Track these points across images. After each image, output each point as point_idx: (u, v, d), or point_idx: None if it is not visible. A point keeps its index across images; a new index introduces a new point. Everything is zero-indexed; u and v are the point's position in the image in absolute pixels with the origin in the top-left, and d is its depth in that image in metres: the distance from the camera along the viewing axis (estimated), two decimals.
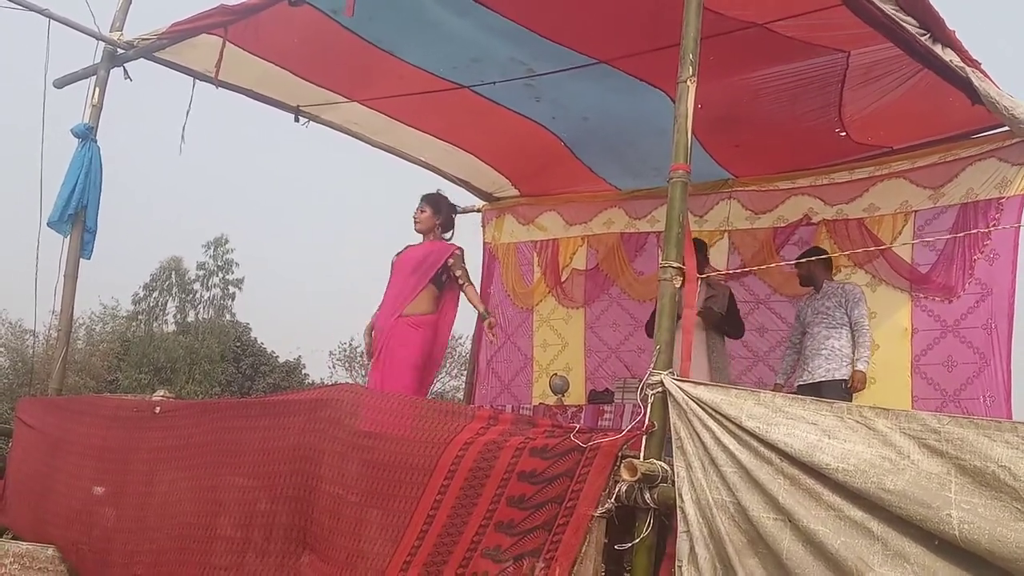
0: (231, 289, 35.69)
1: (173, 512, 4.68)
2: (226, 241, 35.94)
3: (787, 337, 6.59)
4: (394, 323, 5.65)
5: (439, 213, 5.91)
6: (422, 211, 5.88)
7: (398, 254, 5.94)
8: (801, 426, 2.84)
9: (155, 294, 33.86)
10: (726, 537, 2.88)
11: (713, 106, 4.60)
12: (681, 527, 3.00)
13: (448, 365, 28.29)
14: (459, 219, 8.40)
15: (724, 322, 6.32)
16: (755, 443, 2.91)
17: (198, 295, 35.17)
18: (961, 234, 5.79)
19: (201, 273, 35.30)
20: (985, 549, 2.42)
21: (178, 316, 34.16)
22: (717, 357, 6.25)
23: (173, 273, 34.29)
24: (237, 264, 35.97)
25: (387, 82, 6.38)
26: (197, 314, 34.40)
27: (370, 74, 6.33)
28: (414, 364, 5.62)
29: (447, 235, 5.99)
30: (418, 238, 5.94)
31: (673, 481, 3.06)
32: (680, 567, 2.97)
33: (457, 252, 5.77)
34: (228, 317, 34.14)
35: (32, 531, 5.49)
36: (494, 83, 6.16)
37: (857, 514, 2.67)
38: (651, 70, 5.63)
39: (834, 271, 6.40)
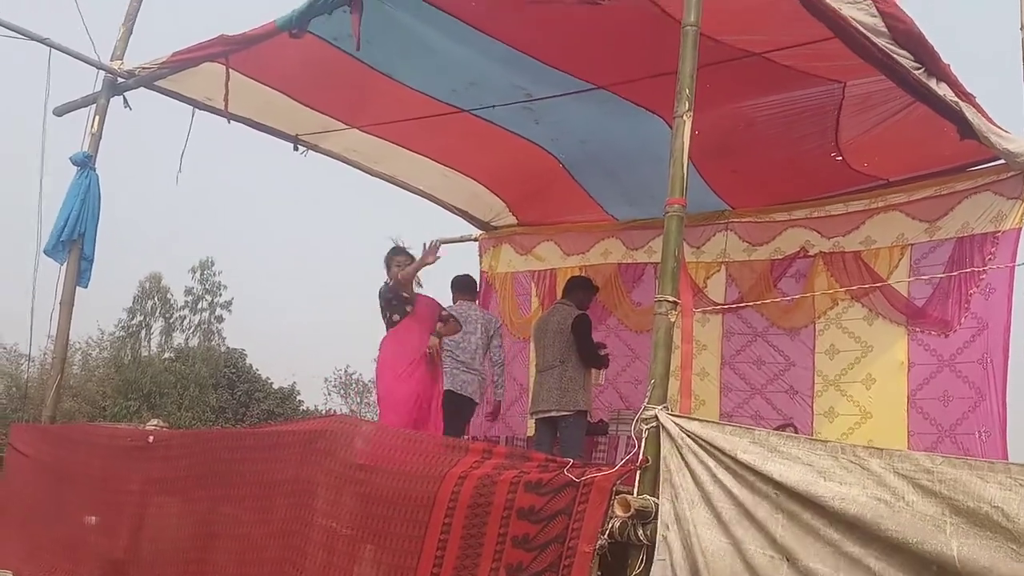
0: (219, 312, 34.95)
1: (169, 541, 4.66)
2: (212, 264, 35.19)
3: (781, 371, 6.61)
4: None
5: None
6: None
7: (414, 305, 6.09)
8: (796, 467, 2.82)
9: (138, 317, 32.97)
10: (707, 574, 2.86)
11: (711, 133, 4.62)
12: (660, 556, 2.98)
13: None
14: (456, 247, 8.65)
15: None
16: (752, 478, 2.89)
17: (186, 320, 34.40)
18: (956, 272, 5.78)
19: (189, 299, 34.52)
20: None
21: (164, 339, 33.44)
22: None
23: (155, 294, 33.47)
24: (225, 287, 35.28)
25: (386, 106, 6.40)
26: (186, 338, 33.74)
27: (370, 98, 6.35)
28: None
29: None
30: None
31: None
32: None
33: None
34: (217, 341, 33.46)
35: (25, 561, 5.43)
36: (493, 107, 6.19)
37: (855, 549, 2.65)
38: (650, 97, 5.66)
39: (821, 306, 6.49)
